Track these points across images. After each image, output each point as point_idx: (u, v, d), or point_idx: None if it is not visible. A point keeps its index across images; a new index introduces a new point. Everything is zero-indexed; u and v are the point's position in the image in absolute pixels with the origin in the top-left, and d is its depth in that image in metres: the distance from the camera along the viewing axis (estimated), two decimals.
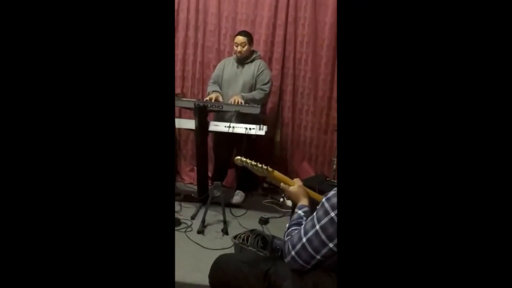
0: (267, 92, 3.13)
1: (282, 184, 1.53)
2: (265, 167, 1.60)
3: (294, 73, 3.48)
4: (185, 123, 3.00)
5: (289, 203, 3.15)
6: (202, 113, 2.79)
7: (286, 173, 3.57)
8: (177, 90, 3.50)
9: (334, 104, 3.42)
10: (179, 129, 3.30)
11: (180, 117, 3.05)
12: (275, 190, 3.40)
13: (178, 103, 2.93)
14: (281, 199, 3.27)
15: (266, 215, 2.97)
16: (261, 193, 3.44)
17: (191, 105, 2.86)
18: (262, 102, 3.13)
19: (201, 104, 2.81)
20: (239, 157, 1.68)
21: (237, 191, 3.26)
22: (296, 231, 1.27)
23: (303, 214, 1.36)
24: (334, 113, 3.43)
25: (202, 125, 2.82)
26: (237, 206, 3.11)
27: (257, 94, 3.06)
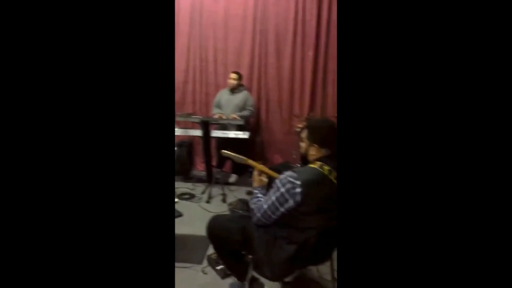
0: (252, 110, 3.18)
1: (255, 172, 1.42)
2: (243, 157, 1.52)
3: (266, 98, 3.48)
4: (196, 132, 2.97)
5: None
6: (206, 126, 2.82)
7: (264, 162, 3.61)
8: (191, 111, 3.50)
9: (294, 117, 3.40)
10: (194, 136, 3.30)
11: (193, 128, 3.06)
12: None
13: (192, 119, 2.95)
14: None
15: (251, 189, 3.00)
16: (248, 175, 3.39)
17: (198, 120, 2.87)
18: (249, 117, 3.19)
19: (205, 119, 2.84)
20: (224, 151, 1.59)
21: (232, 174, 3.27)
22: (260, 201, 1.25)
23: (257, 192, 1.33)
24: (294, 122, 3.40)
25: (206, 133, 2.84)
26: (232, 184, 3.12)
27: (246, 112, 3.12)
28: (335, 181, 1.13)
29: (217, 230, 1.37)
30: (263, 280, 1.56)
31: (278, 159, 3.58)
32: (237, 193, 2.90)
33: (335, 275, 1.54)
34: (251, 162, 1.49)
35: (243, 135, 2.85)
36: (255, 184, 1.39)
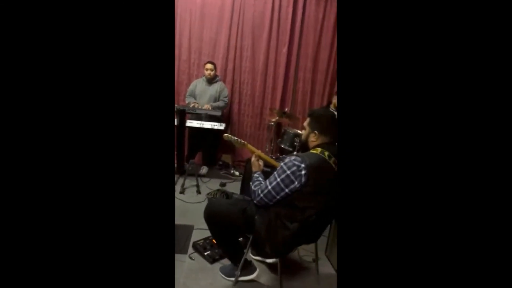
0: (227, 102, 3.24)
1: (253, 156, 1.50)
2: (243, 141, 1.57)
3: (239, 91, 3.55)
4: None
5: (236, 173, 3.28)
6: (182, 115, 2.80)
7: (233, 154, 3.66)
8: None
9: (265, 111, 3.55)
10: None
11: None
12: (227, 165, 3.46)
13: None
14: (232, 171, 3.34)
15: (223, 181, 3.05)
16: (218, 167, 3.48)
17: (174, 109, 2.82)
18: (223, 109, 3.22)
19: (181, 108, 2.80)
20: (226, 134, 1.62)
21: (203, 166, 3.28)
22: (262, 183, 1.32)
23: (258, 175, 1.41)
24: (265, 116, 3.57)
25: (181, 122, 2.81)
26: (203, 175, 3.13)
27: (220, 103, 3.16)
28: (334, 166, 1.29)
29: (217, 213, 1.42)
30: (256, 263, 1.67)
31: (247, 153, 3.69)
32: (209, 184, 2.93)
33: (316, 256, 1.73)
34: (250, 147, 1.57)
35: (219, 126, 2.90)
36: (255, 168, 1.48)
